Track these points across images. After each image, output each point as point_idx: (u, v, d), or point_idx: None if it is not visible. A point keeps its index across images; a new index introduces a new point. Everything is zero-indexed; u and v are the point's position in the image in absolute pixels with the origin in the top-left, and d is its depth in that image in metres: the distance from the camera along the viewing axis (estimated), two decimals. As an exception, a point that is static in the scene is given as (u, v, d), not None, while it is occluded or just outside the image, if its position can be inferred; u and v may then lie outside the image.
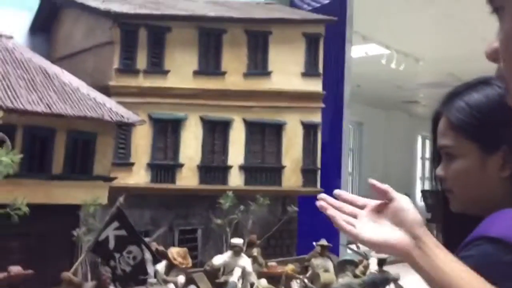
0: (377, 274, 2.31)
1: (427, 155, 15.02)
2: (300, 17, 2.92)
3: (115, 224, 2.00)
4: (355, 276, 2.34)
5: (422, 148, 14.88)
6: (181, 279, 2.13)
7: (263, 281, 2.26)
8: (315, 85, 3.06)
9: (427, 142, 14.93)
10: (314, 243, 2.66)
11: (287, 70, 2.91)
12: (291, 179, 2.96)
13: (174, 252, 2.14)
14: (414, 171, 14.06)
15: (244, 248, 2.36)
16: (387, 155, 12.29)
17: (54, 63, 2.63)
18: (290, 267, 2.38)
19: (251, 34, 2.82)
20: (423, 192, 13.70)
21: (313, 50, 3.03)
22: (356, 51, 7.20)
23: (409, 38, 6.96)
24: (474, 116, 1.08)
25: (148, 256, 1.96)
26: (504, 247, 0.92)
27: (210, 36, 2.80)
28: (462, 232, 1.11)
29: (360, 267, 2.45)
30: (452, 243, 1.15)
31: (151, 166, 2.78)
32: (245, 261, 2.26)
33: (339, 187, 3.84)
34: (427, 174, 14.75)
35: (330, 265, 2.62)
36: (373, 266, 2.42)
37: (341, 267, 2.47)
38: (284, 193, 2.99)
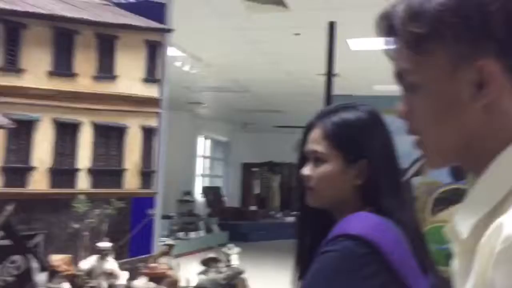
0: (236, 268, 2.53)
1: (208, 153, 15.85)
2: (144, 25, 2.99)
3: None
4: (219, 272, 2.53)
5: (204, 147, 15.61)
6: (66, 286, 2.04)
7: (143, 280, 2.29)
8: (153, 91, 3.15)
9: (208, 142, 15.75)
10: (160, 243, 2.77)
11: (131, 75, 2.94)
12: (131, 182, 3.01)
13: (58, 259, 2.03)
14: (194, 169, 14.69)
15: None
16: (170, 153, 12.60)
17: None
18: (165, 267, 2.45)
19: (101, 38, 2.78)
20: (204, 188, 14.45)
21: (153, 56, 3.12)
22: None
23: (203, 44, 7.34)
24: (344, 131, 1.33)
25: (35, 265, 1.83)
26: (361, 242, 1.13)
27: (63, 36, 2.67)
28: (313, 223, 1.40)
29: (223, 263, 2.64)
30: (304, 232, 1.45)
31: (3, 170, 2.52)
32: (112, 264, 2.26)
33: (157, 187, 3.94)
34: (206, 171, 15.56)
35: (174, 263, 2.76)
36: (235, 261, 2.64)
37: (205, 264, 2.63)
38: (126, 195, 3.01)
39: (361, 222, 1.20)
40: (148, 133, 3.10)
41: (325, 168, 1.32)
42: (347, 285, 1.12)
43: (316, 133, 1.37)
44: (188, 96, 11.22)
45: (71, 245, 2.56)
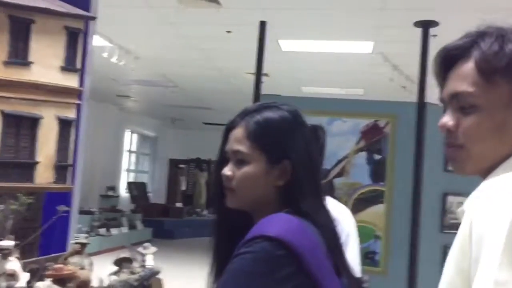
0: (151, 268, 2.44)
1: (134, 148, 15.49)
2: (64, 10, 2.82)
3: None
4: (132, 273, 2.43)
5: (130, 142, 15.27)
6: None
7: (47, 282, 2.15)
8: (72, 80, 2.99)
9: (135, 136, 15.40)
10: (72, 241, 2.62)
11: (47, 62, 2.77)
12: (44, 176, 2.83)
13: None
14: (119, 164, 14.34)
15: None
16: (95, 147, 12.22)
17: None
18: (71, 267, 2.31)
19: (14, 20, 2.58)
20: (129, 184, 14.12)
21: (73, 44, 2.96)
22: None
23: (132, 35, 7.15)
24: (267, 131, 1.30)
25: None
26: (279, 244, 1.13)
27: None
28: (231, 224, 1.37)
29: (137, 263, 2.54)
30: (222, 233, 1.43)
31: None
32: (14, 265, 2.11)
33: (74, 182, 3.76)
34: (132, 166, 15.21)
35: (86, 262, 2.63)
36: (149, 262, 2.55)
37: (118, 264, 2.52)
38: (38, 189, 2.84)
39: (279, 224, 1.19)
40: (65, 125, 2.94)
41: (247, 169, 1.29)
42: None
43: (238, 133, 1.33)
44: (116, 88, 10.90)
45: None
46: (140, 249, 2.58)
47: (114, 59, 8.28)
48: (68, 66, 2.89)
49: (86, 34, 3.22)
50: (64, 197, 3.32)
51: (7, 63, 2.57)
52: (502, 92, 0.97)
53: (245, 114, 1.36)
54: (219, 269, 1.33)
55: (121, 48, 7.75)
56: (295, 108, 1.38)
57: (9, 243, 2.20)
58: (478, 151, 1.00)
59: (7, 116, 2.63)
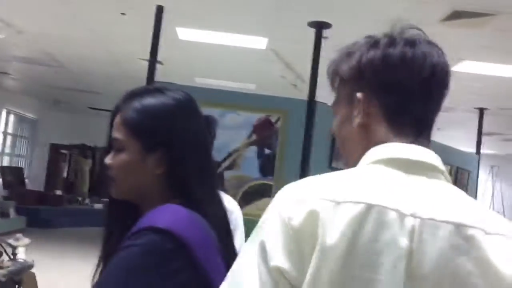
0: (23, 262, 2.24)
1: (10, 130, 14.38)
2: None
3: None
4: (0, 267, 2.20)
5: (6, 123, 14.16)
6: None
7: None
8: None
9: (12, 117, 14.31)
10: None
11: None
12: None
13: None
14: (-8, 146, 13.22)
15: None
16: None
17: None
18: None
19: None
20: (2, 168, 13.10)
21: None
22: None
23: (14, 7, 6.62)
24: (143, 118, 1.24)
25: None
26: (168, 237, 1.08)
27: None
28: (122, 214, 1.34)
29: (5, 257, 2.31)
30: (112, 223, 1.37)
31: None
32: None
33: None
34: (7, 150, 14.11)
35: None
36: (21, 255, 2.33)
37: None
38: None
39: (167, 215, 1.14)
40: None
41: (122, 156, 1.24)
42: (147, 283, 1.04)
43: (117, 119, 1.27)
44: (-7, 64, 10.02)
45: None
46: (11, 240, 2.36)
47: (-6, 32, 7.62)
48: None
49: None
50: None
51: None
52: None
53: (126, 98, 1.29)
54: (107, 263, 1.26)
55: (2, 21, 7.13)
56: (185, 94, 1.31)
57: None
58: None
59: None
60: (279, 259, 0.85)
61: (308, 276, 0.83)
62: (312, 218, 0.86)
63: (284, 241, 0.86)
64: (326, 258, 0.83)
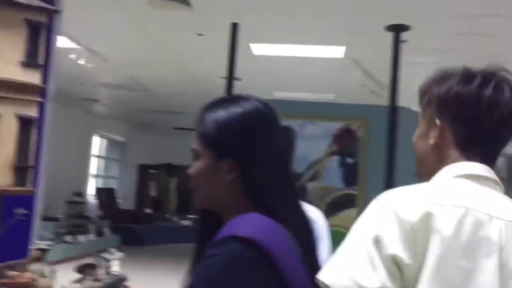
0: (117, 275, 2.31)
1: (103, 153, 15.19)
2: (24, 1, 2.67)
3: None
4: (97, 280, 2.29)
5: (99, 147, 14.96)
6: None
7: None
8: (34, 77, 2.84)
9: (103, 141, 15.11)
10: (30, 247, 2.47)
11: (6, 57, 2.62)
12: (1, 177, 2.67)
13: None
14: (87, 169, 14.03)
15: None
16: (61, 151, 11.96)
17: None
18: (28, 275, 2.16)
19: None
20: (98, 189, 13.82)
21: (35, 39, 2.82)
22: None
23: (100, 37, 6.99)
24: (213, 128, 1.26)
25: None
26: (250, 245, 1.07)
27: None
28: (209, 226, 1.30)
29: (102, 270, 2.41)
30: (201, 236, 1.35)
31: None
32: None
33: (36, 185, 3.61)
34: (100, 172, 14.91)
35: (47, 270, 2.49)
36: (115, 269, 2.41)
37: (81, 271, 2.37)
38: (-5, 192, 2.67)
39: (249, 224, 1.13)
40: (26, 124, 2.79)
41: (196, 164, 1.28)
42: None
43: (196, 131, 1.32)
44: (83, 91, 10.65)
45: None
46: (105, 254, 2.45)
47: (82, 61, 8.09)
48: (29, 61, 2.75)
49: (50, 30, 3.09)
50: (25, 201, 3.16)
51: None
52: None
53: (202, 110, 1.32)
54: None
55: (90, 50, 7.56)
56: (259, 104, 1.30)
57: None
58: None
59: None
60: (396, 248, 1.00)
61: (427, 264, 0.99)
62: (427, 217, 1.03)
63: (401, 235, 1.02)
64: (441, 248, 1.00)
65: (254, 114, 1.27)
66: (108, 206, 13.38)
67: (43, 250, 2.49)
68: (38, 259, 2.45)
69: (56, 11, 3.01)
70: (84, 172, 13.49)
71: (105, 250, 2.86)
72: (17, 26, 2.69)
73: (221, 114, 1.27)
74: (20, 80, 2.70)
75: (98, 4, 5.64)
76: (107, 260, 2.44)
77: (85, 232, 10.97)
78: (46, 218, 9.95)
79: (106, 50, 7.49)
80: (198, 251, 1.31)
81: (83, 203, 12.37)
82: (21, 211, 2.64)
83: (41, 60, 2.88)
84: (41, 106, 2.95)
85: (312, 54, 6.79)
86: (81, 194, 12.55)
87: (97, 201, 13.43)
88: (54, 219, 10.27)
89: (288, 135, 2.33)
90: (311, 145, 4.47)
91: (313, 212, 2.28)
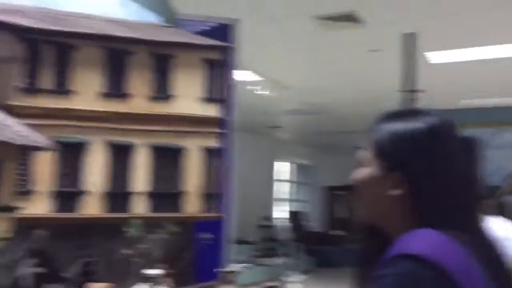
0: None
1: (291, 177, 15.68)
2: (200, 42, 2.91)
3: (33, 260, 1.77)
4: None
5: (284, 171, 15.45)
6: None
7: None
8: (213, 110, 3.05)
9: (290, 166, 15.60)
10: (217, 270, 2.62)
11: (188, 94, 2.87)
12: (192, 205, 2.90)
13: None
14: (271, 193, 14.59)
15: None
16: (250, 178, 12.65)
17: None
18: None
19: (156, 57, 2.73)
20: (291, 213, 14.25)
21: (211, 75, 3.03)
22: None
23: (278, 67, 7.28)
24: (386, 139, 1.19)
25: None
26: (425, 264, 0.97)
27: (116, 57, 2.67)
28: (375, 243, 1.22)
29: None
30: (368, 254, 1.23)
31: (54, 194, 2.53)
32: None
33: (225, 211, 3.83)
34: (292, 196, 15.38)
35: (236, 290, 2.60)
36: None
37: None
38: (187, 219, 2.91)
39: (421, 240, 1.04)
40: (209, 154, 2.99)
41: (366, 170, 1.23)
42: None
43: (369, 139, 1.26)
44: (266, 120, 11.17)
45: (122, 271, 2.49)
46: (285, 277, 2.47)
47: (263, 91, 8.51)
48: (208, 97, 2.96)
49: (226, 65, 3.30)
50: (214, 226, 3.38)
51: (151, 98, 2.70)
52: None
53: (378, 119, 1.26)
54: None
55: (274, 81, 7.94)
56: (440, 118, 1.22)
57: (158, 271, 2.24)
58: None
59: (154, 149, 2.74)
60: None
61: None
62: None
63: None
64: None
65: (433, 130, 1.19)
66: (299, 228, 13.71)
67: (234, 272, 2.61)
68: (229, 281, 2.57)
69: (231, 48, 3.20)
70: (269, 195, 14.03)
71: (291, 273, 2.89)
72: (195, 65, 2.92)
73: (398, 126, 1.21)
74: (201, 115, 2.91)
75: (273, 37, 5.91)
76: (290, 282, 2.47)
77: (277, 254, 11.34)
78: (240, 242, 10.53)
79: (285, 78, 7.78)
80: (363, 272, 1.24)
81: (272, 226, 12.85)
82: (207, 235, 2.81)
83: (219, 94, 3.08)
84: (223, 137, 3.15)
85: (502, 54, 6.16)
86: (269, 218, 13.07)
87: (290, 224, 13.85)
88: (248, 243, 10.80)
89: (470, 148, 2.12)
90: (506, 154, 4.00)
91: (504, 228, 2.03)
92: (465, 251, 1.04)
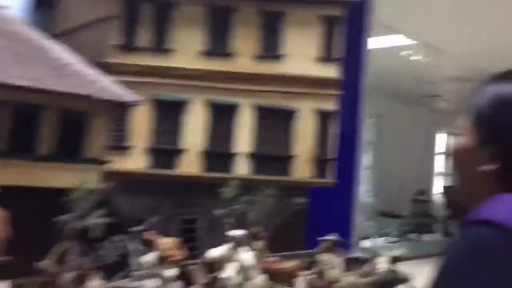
0: (386, 274, 2.13)
1: (447, 150, 14.68)
2: (316, -2, 2.72)
3: (102, 211, 1.85)
4: (363, 274, 2.17)
5: (442, 144, 14.49)
6: (169, 272, 1.97)
7: (261, 277, 2.10)
8: (331, 71, 2.86)
9: (448, 137, 14.57)
10: (319, 238, 2.50)
11: (301, 54, 2.72)
12: (302, 170, 2.78)
13: (164, 243, 1.99)
14: (432, 167, 13.76)
15: (248, 241, 2.21)
16: (405, 150, 12.03)
17: (54, 38, 2.49)
18: (292, 264, 2.22)
19: (264, 15, 2.63)
20: (445, 188, 13.39)
21: (330, 34, 2.84)
22: (378, 41, 7.12)
23: (434, 29, 6.73)
24: (486, 106, 1.04)
25: (133, 246, 1.82)
26: (499, 230, 0.86)
27: (219, 15, 2.64)
28: None
29: (368, 265, 2.28)
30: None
31: (150, 151, 2.62)
32: (245, 255, 2.10)
33: (353, 180, 3.65)
34: (447, 170, 14.41)
35: (336, 261, 2.46)
36: (382, 265, 2.25)
37: (349, 264, 2.31)
38: (294, 184, 2.81)
39: (499, 205, 0.93)
40: (324, 117, 2.83)
41: (461, 141, 1.10)
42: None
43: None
44: (422, 88, 10.47)
45: (215, 231, 2.49)
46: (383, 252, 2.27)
47: (416, 57, 8.00)
48: (325, 57, 2.78)
49: (350, 23, 3.06)
50: (328, 192, 3.21)
51: (257, 58, 2.61)
52: None
53: (484, 82, 1.12)
54: None
55: (427, 45, 7.41)
56: None
57: (238, 232, 2.20)
58: None
59: (261, 110, 2.67)
60: None
61: None
62: None
63: None
64: None
65: None
66: (455, 205, 12.79)
67: (332, 242, 2.48)
68: (328, 250, 2.45)
69: (354, 4, 2.96)
70: (429, 170, 13.24)
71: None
72: (311, 23, 2.75)
73: (503, 90, 1.05)
74: (316, 75, 2.76)
75: None
76: (376, 255, 2.27)
77: (430, 231, 10.74)
78: (390, 215, 10.11)
79: (440, 42, 7.18)
80: None
81: (428, 201, 12.15)
82: (301, 200, 2.69)
83: (336, 54, 2.88)
84: (342, 99, 2.94)
85: None
86: (425, 192, 12.37)
87: (444, 199, 13.00)
88: (399, 217, 10.39)
89: None
90: None
91: None
92: None
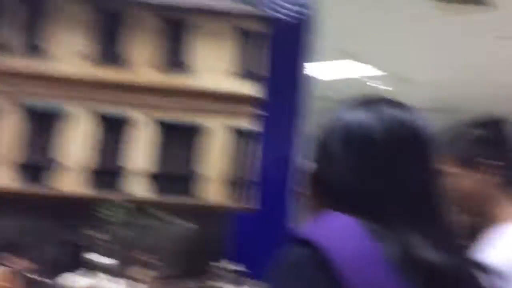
0: None
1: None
2: (233, 10, 2.56)
3: None
4: None
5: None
6: None
7: None
8: (246, 88, 2.71)
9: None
10: (212, 264, 2.28)
11: (211, 67, 2.61)
12: (214, 192, 2.57)
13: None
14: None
15: (120, 270, 1.98)
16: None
17: None
18: None
19: (168, 22, 2.48)
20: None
21: (248, 49, 2.67)
22: (345, 71, 7.21)
23: (401, 59, 6.73)
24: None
25: None
26: (307, 248, 0.89)
27: (109, 18, 2.48)
28: None
29: None
30: None
31: (21, 166, 2.42)
32: (113, 285, 1.89)
33: (284, 206, 3.45)
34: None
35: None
36: None
37: None
38: (203, 208, 2.60)
39: (317, 223, 0.97)
40: (240, 137, 2.64)
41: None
42: None
43: None
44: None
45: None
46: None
47: (384, 87, 8.04)
48: (240, 72, 2.61)
49: (275, 39, 2.91)
50: (259, 219, 3.01)
51: (161, 68, 2.45)
52: None
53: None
54: None
55: (393, 75, 7.39)
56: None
57: (109, 261, 1.99)
58: None
59: (164, 125, 2.48)
60: None
61: None
62: None
63: None
64: None
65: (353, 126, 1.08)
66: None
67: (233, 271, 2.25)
68: (227, 278, 2.22)
69: (272, 20, 2.80)
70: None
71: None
72: (226, 35, 2.61)
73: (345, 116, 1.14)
74: (230, 91, 2.60)
75: (391, 25, 5.45)
76: None
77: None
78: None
79: (403, 71, 7.14)
80: None
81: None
82: (190, 226, 2.46)
83: (258, 71, 2.72)
84: (260, 119, 2.76)
85: None
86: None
87: None
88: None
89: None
90: None
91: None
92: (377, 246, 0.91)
